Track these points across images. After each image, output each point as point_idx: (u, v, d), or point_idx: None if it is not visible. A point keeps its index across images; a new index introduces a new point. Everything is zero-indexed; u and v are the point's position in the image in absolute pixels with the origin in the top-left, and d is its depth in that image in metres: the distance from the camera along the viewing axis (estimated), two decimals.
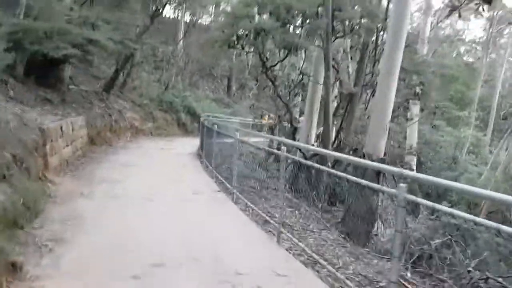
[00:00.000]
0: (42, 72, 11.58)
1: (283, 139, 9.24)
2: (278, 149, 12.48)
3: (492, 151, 25.97)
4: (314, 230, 6.14)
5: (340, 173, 4.70)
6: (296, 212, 7.46)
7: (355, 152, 9.79)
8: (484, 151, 26.46)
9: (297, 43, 9.87)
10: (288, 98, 12.94)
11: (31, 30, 10.15)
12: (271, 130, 15.39)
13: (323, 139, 10.04)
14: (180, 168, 9.50)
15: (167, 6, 34.27)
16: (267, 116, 27.17)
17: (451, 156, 21.78)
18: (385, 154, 8.36)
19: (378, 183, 7.98)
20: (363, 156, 8.09)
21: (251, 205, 6.27)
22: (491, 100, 29.08)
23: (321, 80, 12.16)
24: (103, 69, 18.32)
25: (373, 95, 10.56)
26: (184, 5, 29.58)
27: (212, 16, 37.57)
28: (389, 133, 9.18)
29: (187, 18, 34.56)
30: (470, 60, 36.93)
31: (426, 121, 20.39)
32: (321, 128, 14.15)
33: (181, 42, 26.82)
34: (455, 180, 11.69)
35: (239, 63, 32.38)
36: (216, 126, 9.14)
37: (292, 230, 5.54)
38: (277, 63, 11.64)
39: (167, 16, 36.64)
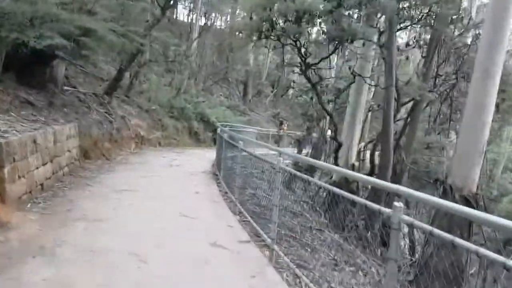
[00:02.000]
0: (27, 68, 9.48)
1: (335, 167, 6.98)
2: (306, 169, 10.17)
3: None
4: None
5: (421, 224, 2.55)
6: (360, 273, 5.15)
7: (435, 183, 7.40)
8: None
9: (355, 31, 7.53)
10: (332, 105, 10.60)
11: (9, 14, 8.07)
12: (299, 142, 13.04)
13: (381, 164, 7.71)
14: (191, 196, 7.21)
15: (181, 8, 32.58)
16: (285, 125, 24.96)
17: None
18: (477, 187, 6.00)
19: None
20: (450, 191, 5.75)
21: (303, 276, 3.97)
22: None
23: (364, 84, 9.90)
24: (108, 69, 16.27)
25: (450, 103, 8.22)
26: (199, 6, 27.71)
27: (229, 20, 35.72)
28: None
29: (201, 21, 32.81)
30: None
31: None
32: (362, 144, 11.83)
33: (195, 43, 24.75)
34: None
35: (255, 67, 30.27)
36: (241, 143, 6.85)
37: None
38: (321, 60, 9.33)
39: (181, 19, 34.84)
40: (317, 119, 13.61)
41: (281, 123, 24.89)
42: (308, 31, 8.00)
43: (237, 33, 9.58)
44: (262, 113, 28.36)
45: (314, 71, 9.01)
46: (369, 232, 7.09)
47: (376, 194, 7.46)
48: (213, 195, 7.43)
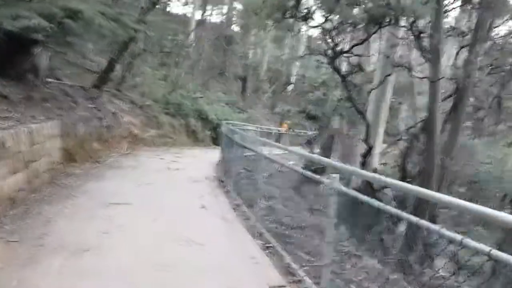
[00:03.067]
0: (4, 57, 8.13)
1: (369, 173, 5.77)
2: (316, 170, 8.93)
3: None
4: None
5: None
6: None
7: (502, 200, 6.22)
8: None
9: (403, 7, 6.20)
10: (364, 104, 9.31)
11: None
12: (309, 143, 11.81)
13: (424, 169, 6.51)
14: (197, 212, 5.90)
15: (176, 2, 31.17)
16: (286, 123, 23.80)
17: None
18: None
19: None
20: None
21: None
22: None
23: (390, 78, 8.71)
24: (98, 61, 14.87)
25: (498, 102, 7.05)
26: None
27: (226, 13, 34.42)
28: None
29: (197, 15, 31.50)
30: None
31: None
32: (384, 146, 10.67)
33: (192, 35, 23.38)
34: None
35: (254, 62, 28.94)
36: (263, 148, 5.57)
37: None
38: (354, 46, 7.96)
39: (175, 11, 33.37)
40: (327, 118, 12.45)
41: (282, 122, 23.70)
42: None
43: (254, 12, 8.17)
44: (261, 110, 27.11)
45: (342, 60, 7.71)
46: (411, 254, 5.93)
47: (420, 206, 6.32)
48: (223, 210, 6.15)
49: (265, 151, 7.38)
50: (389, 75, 8.12)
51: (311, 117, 34.12)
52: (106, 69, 11.78)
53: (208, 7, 33.74)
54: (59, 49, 9.35)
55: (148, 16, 11.21)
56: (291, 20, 7.56)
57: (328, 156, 13.12)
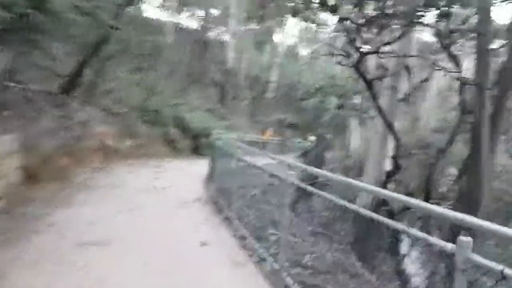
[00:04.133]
0: None
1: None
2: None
3: None
4: None
5: None
6: None
7: None
8: None
9: None
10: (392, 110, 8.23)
11: None
12: (304, 154, 10.75)
13: (469, 191, 5.57)
14: (197, 254, 4.59)
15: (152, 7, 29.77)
16: (268, 131, 22.79)
17: None
18: None
19: None
20: None
21: None
22: None
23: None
24: (68, 63, 13.34)
25: None
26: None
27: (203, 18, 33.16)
28: None
29: (174, 20, 30.12)
30: None
31: None
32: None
33: (169, 39, 22.04)
34: None
35: (235, 67, 27.78)
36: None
37: None
38: (385, 44, 6.67)
39: (151, 17, 31.86)
40: (326, 127, 11.49)
41: (265, 129, 22.68)
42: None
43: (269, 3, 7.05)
44: (241, 117, 25.93)
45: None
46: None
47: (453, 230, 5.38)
48: (229, 247, 4.94)
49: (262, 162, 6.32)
50: (425, 80, 7.19)
51: (291, 126, 33.42)
52: (76, 72, 10.35)
53: (184, 13, 32.44)
54: (22, 47, 7.91)
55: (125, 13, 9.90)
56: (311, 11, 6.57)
57: (320, 167, 12.18)
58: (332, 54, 9.00)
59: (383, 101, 8.07)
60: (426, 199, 6.32)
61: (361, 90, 9.32)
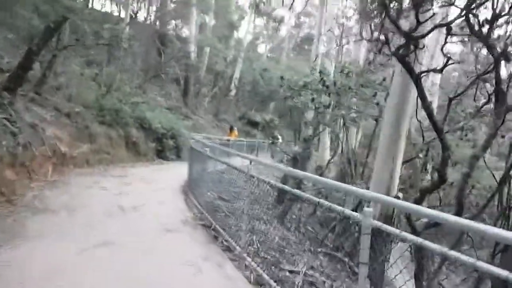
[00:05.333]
0: None
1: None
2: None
3: None
4: None
5: None
6: None
7: None
8: None
9: None
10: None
11: None
12: (294, 161, 9.64)
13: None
14: None
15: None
16: (234, 131, 21.65)
17: None
18: None
19: None
20: None
21: None
22: None
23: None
24: (12, 54, 11.40)
25: None
26: None
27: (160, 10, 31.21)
28: None
29: (128, 12, 27.99)
30: None
31: None
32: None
33: (125, 31, 20.12)
34: None
35: (198, 61, 26.20)
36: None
37: None
38: (434, 29, 5.30)
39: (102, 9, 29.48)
40: (315, 127, 10.47)
41: (231, 129, 21.47)
42: None
43: None
44: (205, 116, 24.50)
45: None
46: None
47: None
48: None
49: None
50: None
51: (253, 123, 32.34)
52: (22, 65, 8.58)
53: (140, 5, 30.32)
54: None
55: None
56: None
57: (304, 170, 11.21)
58: (362, 39, 7.93)
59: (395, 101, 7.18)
60: (458, 213, 5.49)
61: (355, 88, 8.43)
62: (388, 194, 7.08)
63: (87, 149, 11.11)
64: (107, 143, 12.49)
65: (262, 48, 49.18)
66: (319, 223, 8.92)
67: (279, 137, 23.30)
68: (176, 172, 11.34)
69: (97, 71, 14.96)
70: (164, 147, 15.17)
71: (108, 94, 14.03)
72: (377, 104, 8.34)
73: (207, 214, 6.23)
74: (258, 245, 4.95)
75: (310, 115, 12.52)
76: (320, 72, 8.94)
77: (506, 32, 5.94)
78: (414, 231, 5.77)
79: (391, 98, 7.26)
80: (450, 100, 6.61)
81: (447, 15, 8.07)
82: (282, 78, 9.78)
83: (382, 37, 6.01)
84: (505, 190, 7.06)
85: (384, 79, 8.25)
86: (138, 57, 22.07)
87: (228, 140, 18.88)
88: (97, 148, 11.71)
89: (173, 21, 29.12)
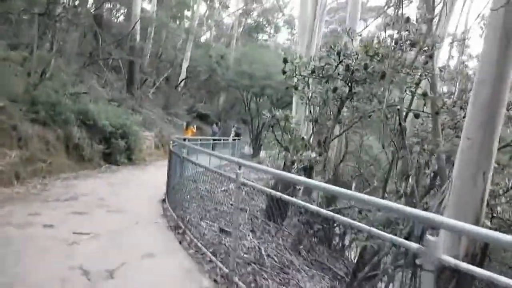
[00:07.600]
0: None
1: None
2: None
3: None
4: None
5: None
6: None
7: None
8: None
9: None
10: None
11: None
12: (310, 170, 7.61)
13: None
14: None
15: None
16: (191, 127, 19.30)
17: None
18: None
19: None
20: None
21: None
22: None
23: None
24: None
25: None
26: None
27: None
28: None
29: None
30: None
31: None
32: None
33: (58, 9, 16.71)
34: None
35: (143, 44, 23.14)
36: None
37: None
38: None
39: None
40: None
41: (188, 125, 19.05)
42: None
43: None
44: (154, 109, 21.64)
45: None
46: None
47: None
48: None
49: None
50: None
51: (202, 117, 29.90)
52: None
53: None
54: None
55: None
56: None
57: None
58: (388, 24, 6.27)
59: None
60: None
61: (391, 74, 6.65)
62: (477, 223, 5.15)
63: (16, 158, 8.30)
64: (43, 148, 9.67)
65: (204, 37, 46.45)
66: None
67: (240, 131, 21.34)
68: (142, 183, 8.99)
69: (27, 54, 11.81)
70: (114, 149, 12.49)
71: (41, 84, 11.04)
72: (424, 95, 6.62)
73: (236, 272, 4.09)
74: None
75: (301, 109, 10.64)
76: (338, 53, 7.11)
77: None
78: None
79: (479, 87, 5.17)
80: None
81: None
82: (285, 60, 7.81)
83: None
84: None
85: (426, 61, 6.56)
86: (73, 40, 18.69)
87: (185, 140, 16.49)
88: (30, 156, 8.90)
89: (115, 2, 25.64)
